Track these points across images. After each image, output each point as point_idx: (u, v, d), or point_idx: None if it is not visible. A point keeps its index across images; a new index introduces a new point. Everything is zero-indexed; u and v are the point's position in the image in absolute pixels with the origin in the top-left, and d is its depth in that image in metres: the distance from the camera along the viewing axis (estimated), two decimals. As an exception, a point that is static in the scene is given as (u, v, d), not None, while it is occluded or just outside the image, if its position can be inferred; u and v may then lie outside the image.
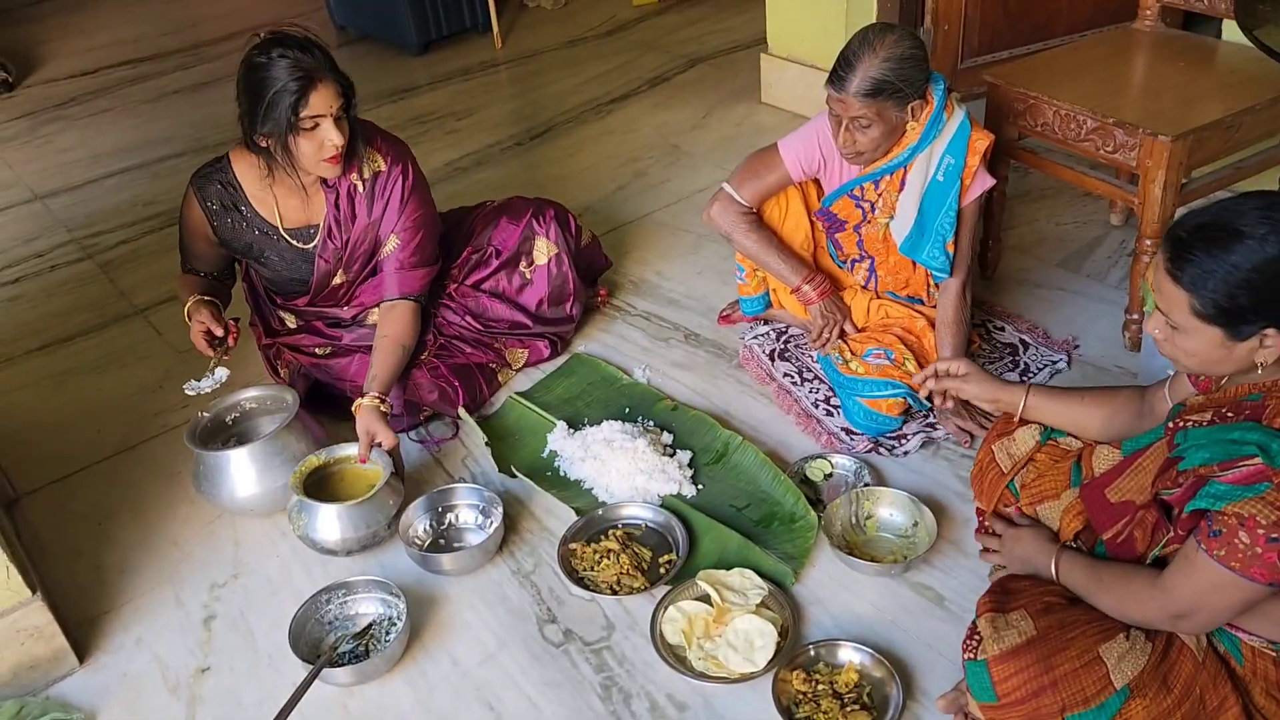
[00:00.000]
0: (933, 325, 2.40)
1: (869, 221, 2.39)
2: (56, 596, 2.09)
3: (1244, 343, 1.38)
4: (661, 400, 2.52)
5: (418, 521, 2.19)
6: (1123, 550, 1.59)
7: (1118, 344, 2.53)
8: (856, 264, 2.51)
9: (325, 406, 2.49)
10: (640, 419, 2.44)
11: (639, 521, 2.17)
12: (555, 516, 2.21)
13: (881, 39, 2.10)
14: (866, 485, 2.18)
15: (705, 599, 1.94)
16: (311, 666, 1.83)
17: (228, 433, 2.34)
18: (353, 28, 5.25)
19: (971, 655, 1.53)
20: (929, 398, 2.29)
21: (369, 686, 1.88)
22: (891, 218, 2.35)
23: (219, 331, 2.34)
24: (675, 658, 1.86)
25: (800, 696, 1.75)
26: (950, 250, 2.30)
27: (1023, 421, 1.86)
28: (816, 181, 2.46)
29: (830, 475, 2.26)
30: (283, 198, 2.34)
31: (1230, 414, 1.43)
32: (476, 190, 3.58)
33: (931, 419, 2.35)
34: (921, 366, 2.35)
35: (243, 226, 2.36)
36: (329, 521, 2.08)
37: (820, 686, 1.75)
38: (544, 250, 2.63)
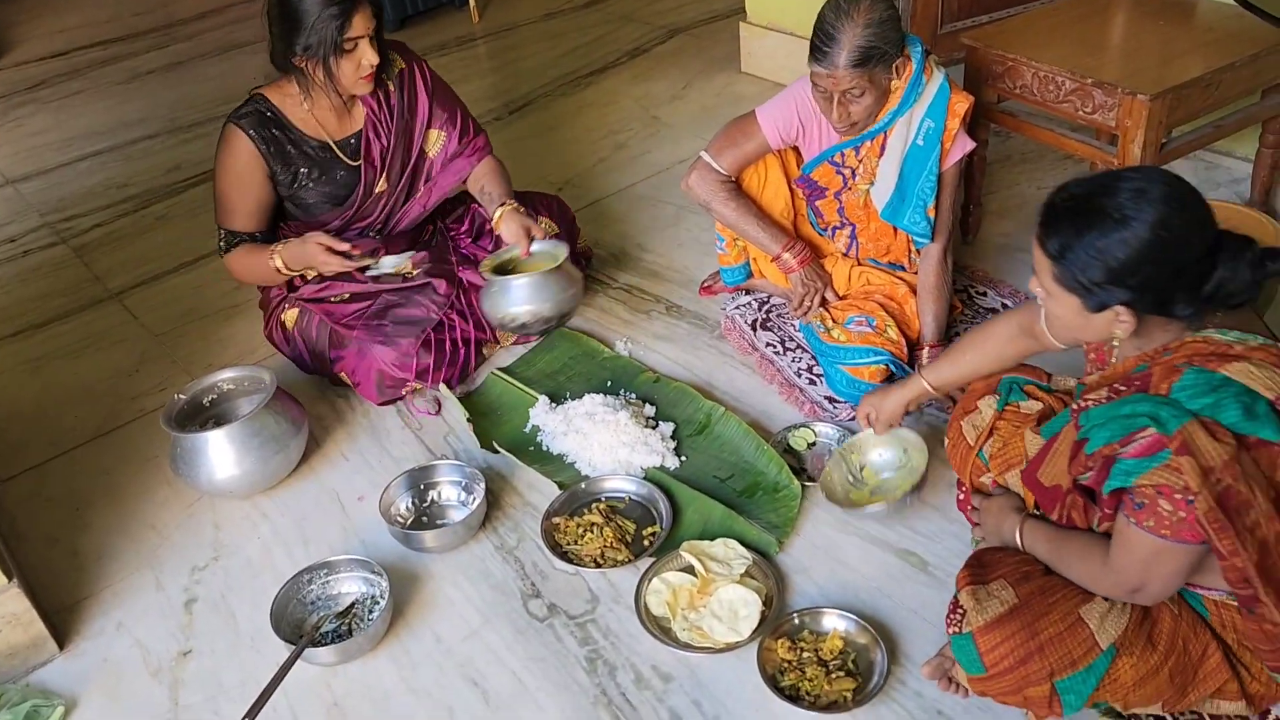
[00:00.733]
0: (914, 291, 2.39)
1: (850, 188, 2.37)
2: (34, 583, 2.07)
3: (1100, 314, 1.43)
4: (643, 373, 2.50)
5: (399, 499, 2.17)
6: (1071, 525, 1.61)
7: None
8: (837, 231, 2.49)
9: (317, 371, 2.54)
10: (622, 392, 2.42)
11: (622, 494, 2.15)
12: (538, 491, 2.20)
13: (855, 6, 2.06)
14: (843, 440, 2.18)
15: (689, 570, 1.93)
16: (294, 647, 1.82)
17: (205, 415, 2.31)
18: (327, 4, 5.18)
19: (957, 629, 1.53)
20: (910, 362, 2.29)
21: (352, 665, 1.87)
22: (872, 184, 2.33)
23: (341, 247, 2.36)
24: (660, 629, 1.85)
25: (785, 665, 1.74)
26: (931, 215, 2.28)
27: (986, 393, 1.87)
28: (796, 149, 2.43)
29: (814, 444, 2.25)
30: (322, 116, 2.41)
31: (1122, 387, 1.46)
32: (455, 166, 3.54)
33: (914, 385, 2.33)
34: (904, 332, 2.34)
35: (293, 153, 2.39)
36: (521, 294, 2.30)
37: (805, 654, 1.75)
38: (545, 225, 2.62)
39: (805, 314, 2.44)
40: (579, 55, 4.39)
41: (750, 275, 2.63)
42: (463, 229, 2.70)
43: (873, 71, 2.09)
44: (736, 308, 2.65)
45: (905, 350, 2.32)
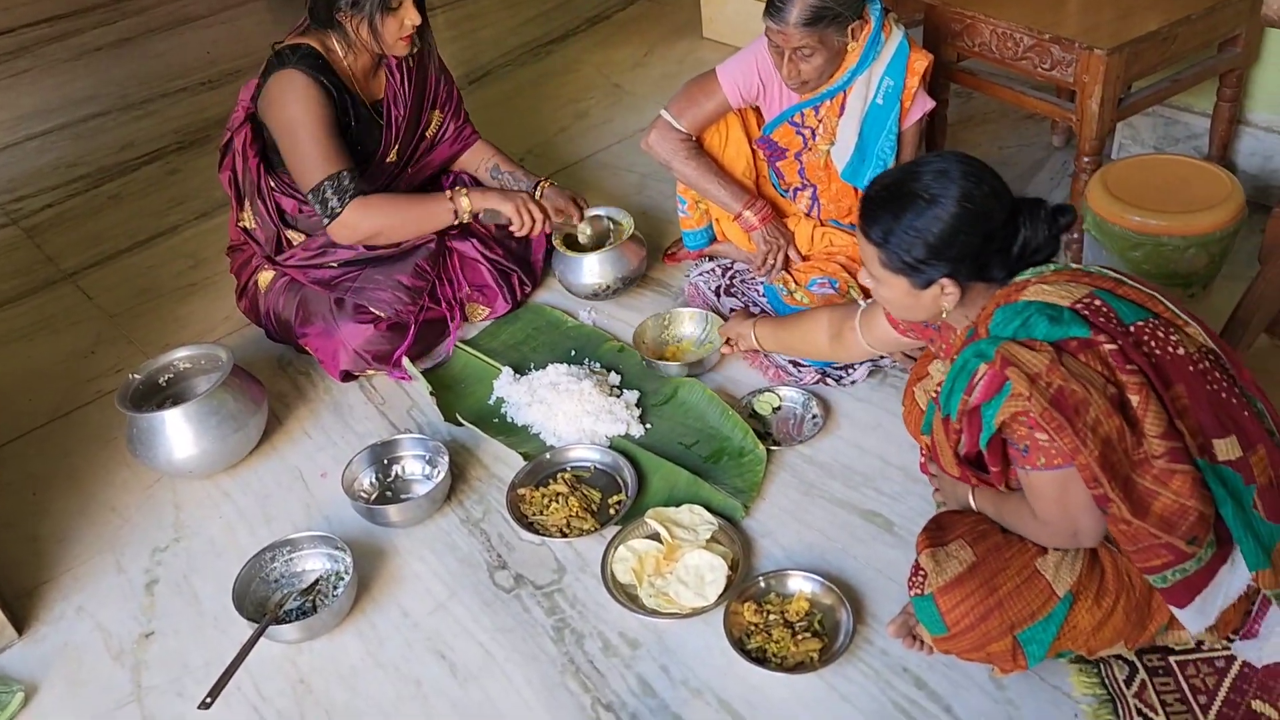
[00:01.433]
0: (877, 253, 2.38)
1: (810, 149, 2.36)
2: (-9, 569, 2.04)
3: (927, 290, 1.54)
4: (607, 341, 2.48)
5: (363, 475, 2.15)
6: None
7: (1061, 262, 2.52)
8: (799, 192, 2.48)
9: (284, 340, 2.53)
10: (586, 361, 2.41)
11: (587, 463, 2.14)
12: (503, 463, 2.18)
13: None
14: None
15: (655, 537, 1.92)
16: (257, 626, 1.80)
17: (162, 394, 2.27)
18: (280, -24, 5.08)
19: (919, 591, 1.56)
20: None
21: (317, 642, 1.85)
22: (832, 144, 2.31)
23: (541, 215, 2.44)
24: (627, 596, 1.85)
25: (752, 628, 1.74)
26: (891, 176, 2.27)
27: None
28: (757, 110, 2.41)
29: (779, 408, 2.24)
30: (359, 74, 2.38)
31: (955, 355, 1.54)
32: (414, 138, 3.49)
33: (878, 347, 2.34)
34: (866, 294, 2.34)
35: (344, 103, 2.33)
36: (589, 267, 2.51)
37: (771, 617, 1.75)
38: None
39: (769, 272, 2.43)
40: (539, 23, 4.34)
41: (713, 240, 2.61)
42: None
43: (824, 32, 2.07)
44: (700, 274, 2.63)
45: (868, 312, 2.31)
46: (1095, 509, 1.47)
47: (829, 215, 2.48)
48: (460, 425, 2.27)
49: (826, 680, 1.69)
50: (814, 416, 2.19)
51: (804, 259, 2.46)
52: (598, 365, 2.39)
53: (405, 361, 2.40)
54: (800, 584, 1.81)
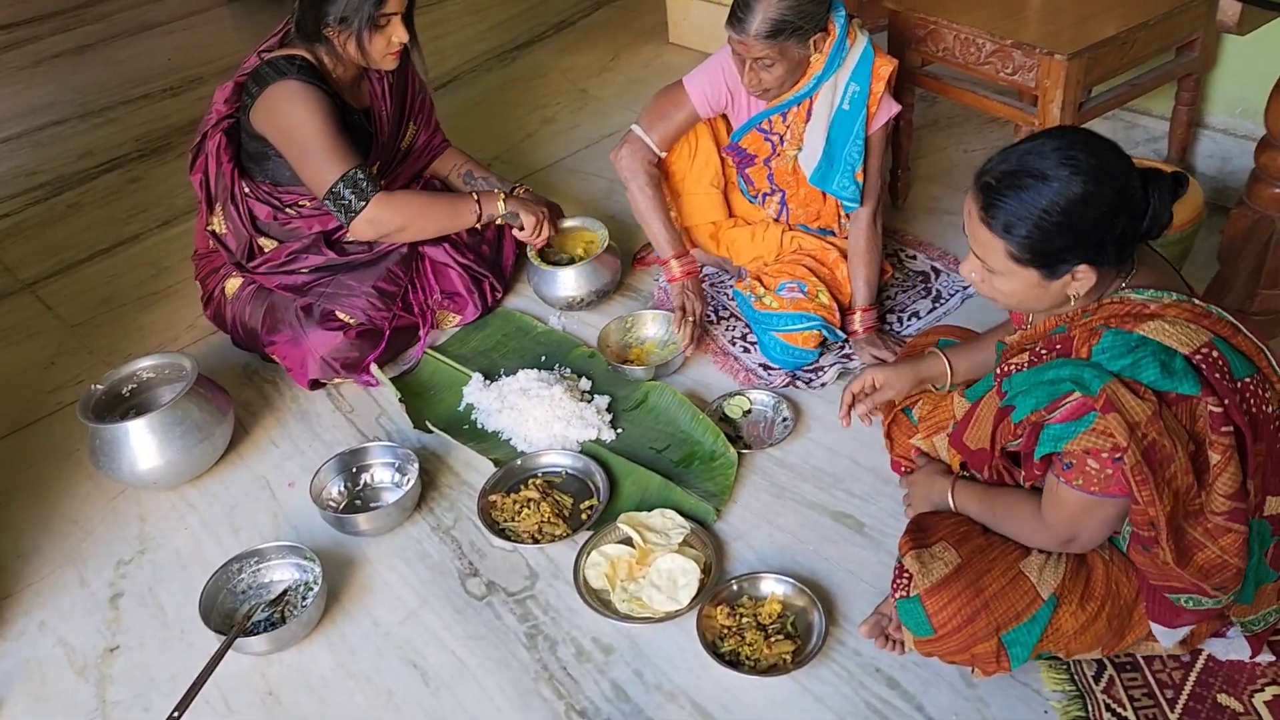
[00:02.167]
0: (845, 256, 2.40)
1: (778, 154, 2.37)
2: (-50, 585, 1.99)
3: (1058, 280, 1.42)
4: (578, 347, 2.48)
5: (331, 484, 2.13)
6: (1000, 482, 1.63)
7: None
8: (768, 198, 2.49)
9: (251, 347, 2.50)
10: (557, 366, 2.40)
11: (558, 469, 2.14)
12: (474, 469, 2.17)
13: None
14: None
15: (627, 542, 1.92)
16: (224, 638, 1.77)
17: (125, 405, 2.24)
18: (242, -18, 5.03)
19: (904, 594, 1.55)
20: (842, 326, 2.30)
21: (287, 653, 1.83)
22: (800, 149, 2.32)
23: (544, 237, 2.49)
24: (600, 602, 1.84)
25: (725, 631, 1.75)
26: (859, 180, 2.29)
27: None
28: (725, 117, 2.42)
29: (749, 412, 2.25)
30: (345, 84, 2.37)
31: (1044, 351, 1.48)
32: (380, 144, 3.47)
33: (847, 350, 2.35)
34: (835, 297, 2.35)
35: (341, 110, 2.32)
36: (567, 280, 2.50)
37: (744, 619, 1.75)
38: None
39: (681, 332, 2.33)
40: (504, 29, 4.33)
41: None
42: None
43: (784, 44, 2.08)
44: (669, 279, 2.63)
45: (837, 315, 2.33)
46: (1103, 532, 1.48)
47: (797, 220, 2.49)
48: (430, 432, 2.25)
49: (799, 682, 1.69)
50: (784, 419, 2.19)
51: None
52: (568, 370, 2.39)
53: (374, 368, 2.39)
54: (772, 586, 1.81)
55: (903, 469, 1.94)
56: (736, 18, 2.09)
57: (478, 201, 2.41)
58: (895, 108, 2.30)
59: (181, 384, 2.16)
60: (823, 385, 2.28)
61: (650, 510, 1.99)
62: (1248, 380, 1.39)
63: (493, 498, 2.06)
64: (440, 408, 2.35)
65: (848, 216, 2.39)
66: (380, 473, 2.16)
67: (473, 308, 2.55)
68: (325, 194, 2.26)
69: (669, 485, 2.05)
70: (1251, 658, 1.61)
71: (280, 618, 1.87)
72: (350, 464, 2.15)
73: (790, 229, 2.50)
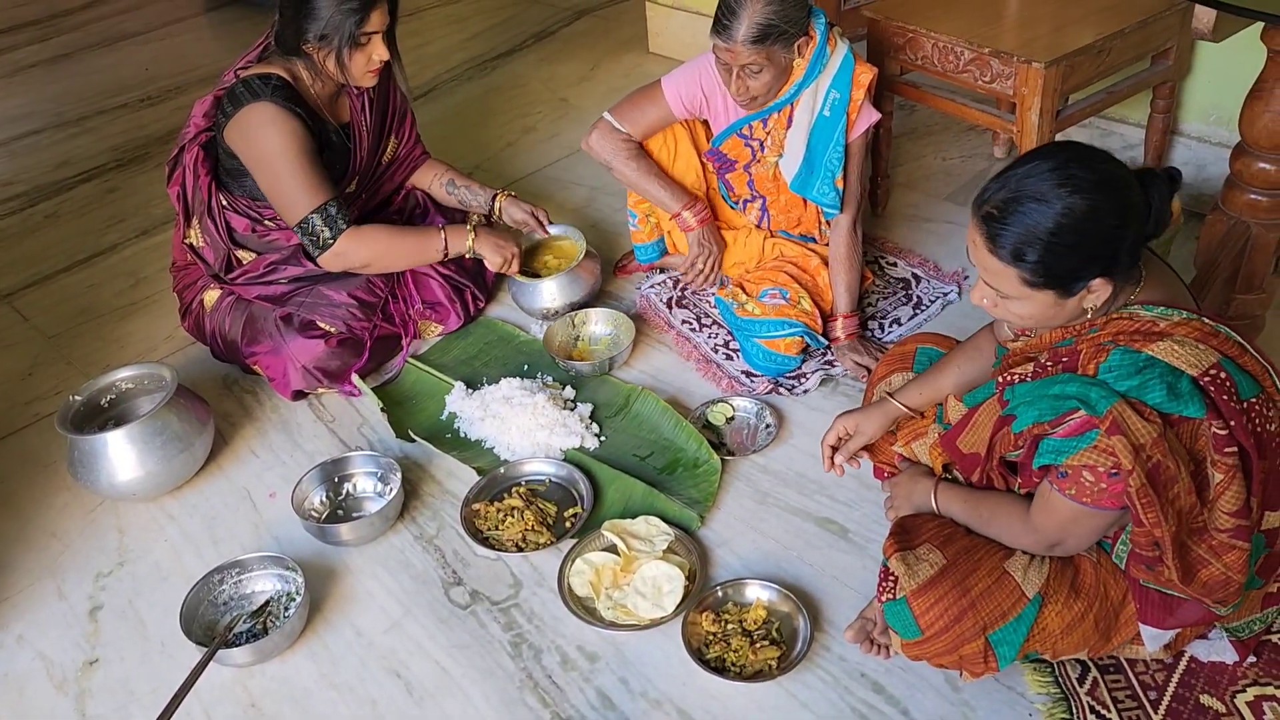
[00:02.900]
0: (826, 263, 2.41)
1: (758, 160, 2.38)
2: (-75, 600, 1.97)
3: (1074, 297, 1.42)
4: (530, 341, 2.50)
5: (313, 494, 2.11)
6: (990, 487, 1.64)
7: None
8: (749, 204, 2.50)
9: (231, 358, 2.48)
10: (539, 375, 2.40)
11: (542, 477, 2.13)
12: (457, 478, 2.16)
13: None
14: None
15: (612, 549, 1.92)
16: (206, 650, 1.76)
17: (104, 416, 2.22)
18: (221, -8, 5.02)
19: (890, 596, 1.55)
20: (824, 333, 2.31)
21: (269, 665, 1.82)
22: (781, 156, 2.33)
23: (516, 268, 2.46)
24: (584, 609, 1.84)
25: (710, 637, 1.74)
26: (839, 186, 2.30)
27: (898, 369, 1.91)
28: (706, 123, 2.43)
29: (732, 418, 2.25)
30: (324, 99, 2.35)
31: (1049, 362, 1.48)
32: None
33: (829, 357, 2.36)
34: (817, 304, 2.36)
35: (315, 130, 2.29)
36: (547, 292, 2.49)
37: (729, 626, 1.75)
38: (474, 218, 2.65)
39: (699, 278, 2.43)
40: (484, 39, 4.33)
41: (664, 253, 2.62)
42: (392, 211, 2.64)
43: (771, 49, 2.09)
44: (651, 286, 2.64)
45: (819, 321, 2.34)
46: (1089, 540, 1.49)
47: (778, 226, 2.50)
48: (412, 441, 2.25)
49: (785, 688, 1.69)
50: (767, 426, 2.20)
51: (726, 284, 2.47)
52: (550, 379, 2.38)
53: (355, 378, 2.37)
54: (757, 592, 1.81)
55: (885, 474, 1.95)
56: (722, 25, 2.10)
57: (444, 239, 2.38)
58: (875, 115, 2.32)
59: (161, 395, 2.15)
60: (805, 392, 2.29)
61: (634, 517, 1.98)
62: (1254, 400, 1.39)
63: (476, 506, 2.05)
64: (422, 417, 2.34)
65: (828, 223, 2.41)
66: (363, 482, 2.15)
67: (455, 317, 2.55)
68: (296, 224, 2.26)
69: (653, 492, 2.05)
70: (1239, 663, 1.62)
71: (262, 629, 1.86)
72: (332, 474, 2.14)
73: (771, 235, 2.51)
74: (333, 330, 2.34)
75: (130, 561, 2.06)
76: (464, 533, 2.00)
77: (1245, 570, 1.42)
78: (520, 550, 1.96)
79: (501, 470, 2.13)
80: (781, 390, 2.29)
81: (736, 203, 2.51)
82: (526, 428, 2.19)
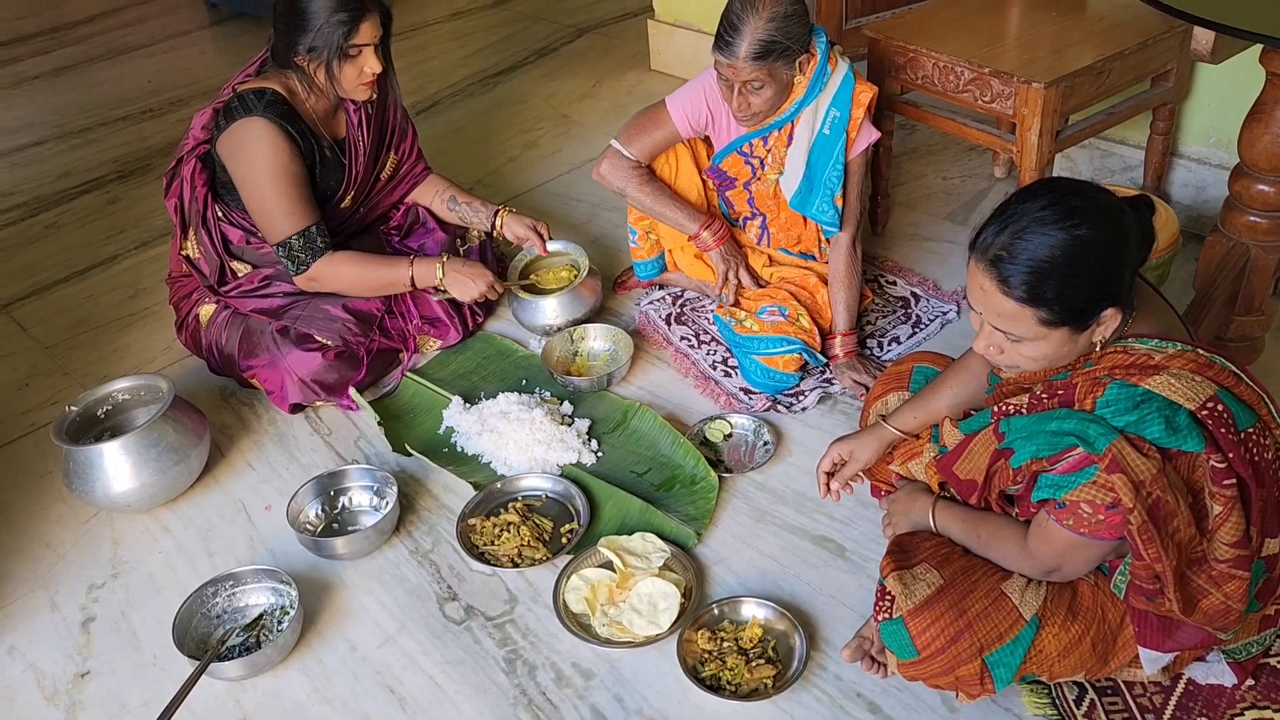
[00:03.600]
0: (825, 281, 2.41)
1: (759, 178, 2.38)
2: (-84, 610, 1.96)
3: (1086, 331, 1.41)
4: (529, 356, 2.50)
5: (309, 507, 2.11)
6: (988, 508, 1.64)
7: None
8: (749, 222, 2.50)
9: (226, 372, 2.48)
10: (537, 390, 2.39)
11: (539, 492, 2.12)
12: (453, 493, 2.15)
13: None
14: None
15: (608, 566, 1.91)
16: (198, 663, 1.75)
17: (100, 427, 2.21)
18: (225, 4, 5.04)
19: (886, 615, 1.54)
20: (823, 351, 2.31)
21: (262, 678, 1.80)
22: (781, 173, 2.34)
23: (498, 292, 2.44)
24: (579, 626, 1.83)
25: (706, 655, 1.73)
26: (839, 204, 2.30)
27: (894, 389, 1.91)
28: (707, 140, 2.43)
29: (730, 435, 2.25)
30: (320, 114, 2.35)
31: (1044, 395, 1.47)
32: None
33: (828, 375, 2.36)
34: (816, 321, 2.36)
35: (308, 146, 2.30)
36: (548, 310, 2.49)
37: (725, 644, 1.74)
38: (475, 235, 2.68)
39: (732, 293, 2.43)
40: (487, 55, 4.35)
41: (664, 269, 2.62)
42: (391, 225, 2.65)
43: (773, 65, 2.10)
44: (650, 303, 2.64)
45: (818, 339, 2.34)
46: (1086, 567, 1.49)
47: (778, 244, 2.50)
48: (409, 455, 2.24)
49: (781, 707, 1.68)
50: (765, 443, 2.19)
51: (764, 284, 2.48)
52: (548, 394, 2.38)
53: (352, 391, 2.37)
54: (753, 610, 1.80)
55: (882, 493, 1.94)
56: (724, 41, 2.10)
57: (411, 272, 2.37)
58: (874, 134, 2.32)
59: (157, 406, 2.14)
60: (803, 409, 2.28)
61: (631, 534, 1.97)
62: (1250, 430, 1.38)
63: (472, 521, 2.04)
64: (419, 431, 2.34)
65: (828, 241, 2.41)
66: (358, 496, 2.14)
67: (454, 332, 2.55)
68: (276, 244, 2.27)
69: (649, 509, 2.04)
70: (1237, 685, 1.61)
71: (255, 642, 1.85)
72: (328, 487, 2.13)
73: (771, 253, 2.51)
74: (329, 344, 2.34)
75: (124, 573, 2.05)
76: (459, 547, 1.99)
77: (1245, 598, 1.41)
78: (516, 566, 1.95)
79: (498, 485, 2.12)
80: (780, 408, 2.29)
81: (736, 220, 2.52)
82: (524, 443, 2.19)
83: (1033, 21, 2.60)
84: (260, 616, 1.88)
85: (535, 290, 2.56)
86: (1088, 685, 1.64)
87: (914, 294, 2.60)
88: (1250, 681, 1.62)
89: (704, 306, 2.60)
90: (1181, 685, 1.63)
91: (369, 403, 2.36)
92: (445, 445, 2.29)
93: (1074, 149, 2.85)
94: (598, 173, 2.41)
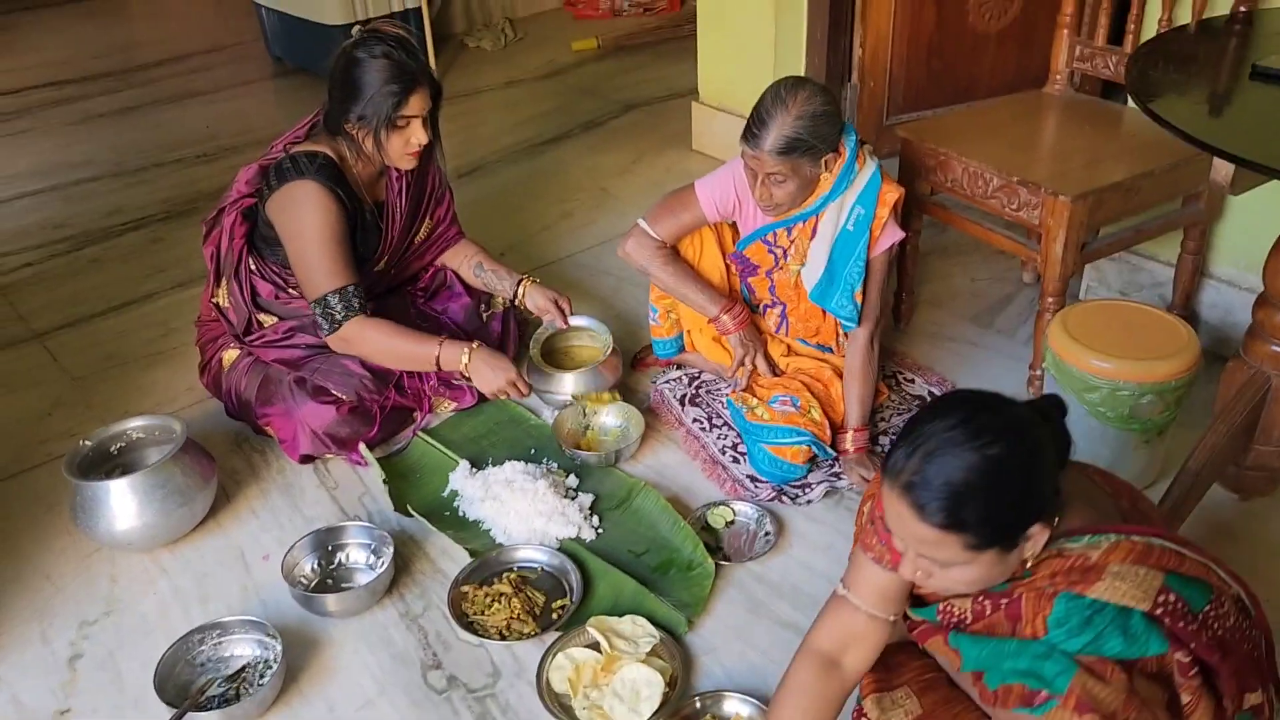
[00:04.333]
0: (840, 375, 2.41)
1: (781, 267, 2.40)
2: (-89, 631, 1.98)
3: (1015, 550, 1.33)
4: (542, 426, 2.50)
5: (305, 560, 2.11)
6: None
7: (1022, 399, 2.54)
8: (769, 310, 2.51)
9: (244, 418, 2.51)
10: (545, 460, 2.40)
11: (534, 564, 2.12)
12: (450, 558, 2.15)
13: (794, 95, 2.11)
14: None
15: (595, 646, 1.89)
16: (175, 711, 1.74)
17: (111, 463, 2.25)
18: (289, 60, 5.21)
19: None
20: (833, 445, 2.30)
21: (237, 732, 1.80)
22: (803, 264, 2.35)
23: (524, 391, 2.44)
24: (560, 707, 1.80)
25: (683, 749, 1.70)
26: (858, 300, 2.31)
27: None
28: (733, 225, 2.46)
29: (732, 523, 2.23)
30: (365, 179, 2.41)
31: (987, 605, 1.41)
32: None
33: (836, 468, 2.34)
34: (828, 414, 2.35)
35: (353, 209, 2.35)
36: (568, 385, 2.50)
37: (704, 739, 1.71)
38: (500, 302, 2.71)
39: (747, 378, 2.43)
40: (534, 124, 4.44)
41: (682, 349, 2.63)
42: (419, 286, 2.69)
43: (796, 161, 2.13)
44: (666, 382, 2.65)
45: (828, 432, 2.32)
46: None
47: (797, 334, 2.51)
48: (410, 516, 2.24)
49: (755, 811, 1.64)
50: (766, 534, 2.17)
51: (780, 373, 2.48)
52: (555, 465, 2.38)
53: (362, 448, 2.39)
54: (736, 707, 1.77)
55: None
56: (751, 133, 2.14)
57: (439, 354, 2.38)
58: (899, 234, 2.33)
59: (170, 447, 2.17)
60: (809, 502, 2.26)
61: (622, 615, 1.96)
62: (1207, 609, 1.32)
63: (465, 588, 2.03)
64: (424, 492, 2.35)
65: (846, 335, 2.41)
66: (355, 553, 2.15)
67: (470, 395, 2.57)
68: (314, 300, 2.31)
69: (643, 591, 2.02)
70: None
71: (235, 694, 1.84)
72: (326, 541, 2.14)
73: (789, 343, 2.51)
74: (344, 398, 2.37)
75: (117, 612, 2.06)
76: (449, 614, 1.99)
77: None
78: (504, 638, 1.93)
79: (494, 554, 2.11)
80: (785, 499, 2.27)
81: (757, 307, 2.53)
82: (525, 513, 2.19)
83: (1068, 133, 2.62)
84: (243, 668, 1.88)
85: (556, 364, 2.58)
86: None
87: (931, 393, 2.59)
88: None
89: (719, 389, 2.61)
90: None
91: (378, 459, 2.37)
92: (448, 508, 2.29)
93: (1103, 261, 2.84)
94: (623, 250, 2.44)
